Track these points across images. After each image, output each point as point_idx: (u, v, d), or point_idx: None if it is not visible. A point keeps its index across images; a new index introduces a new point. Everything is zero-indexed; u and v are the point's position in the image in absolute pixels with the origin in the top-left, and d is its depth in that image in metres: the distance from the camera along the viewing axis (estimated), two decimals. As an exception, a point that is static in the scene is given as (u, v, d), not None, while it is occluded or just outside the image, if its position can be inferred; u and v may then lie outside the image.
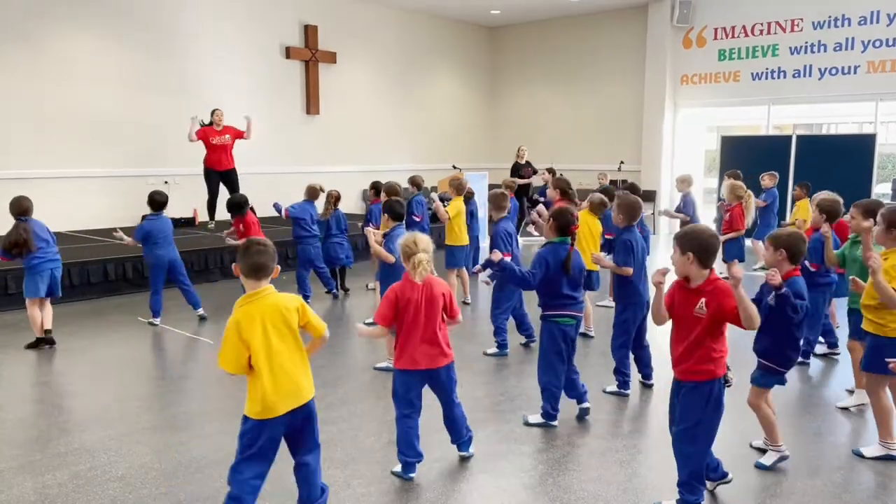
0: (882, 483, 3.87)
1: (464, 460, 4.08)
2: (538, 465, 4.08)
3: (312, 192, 8.19)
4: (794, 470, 4.01)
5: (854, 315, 4.67)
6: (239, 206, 7.40)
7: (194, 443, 4.35)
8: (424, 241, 3.77)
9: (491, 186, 13.11)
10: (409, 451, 3.85)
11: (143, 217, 7.47)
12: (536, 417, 4.66)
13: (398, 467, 3.90)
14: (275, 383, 3.10)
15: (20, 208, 6.17)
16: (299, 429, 3.21)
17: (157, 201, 7.05)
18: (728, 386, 3.35)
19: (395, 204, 5.81)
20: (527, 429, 4.58)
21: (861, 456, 4.10)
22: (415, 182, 9.37)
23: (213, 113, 10.81)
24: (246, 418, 3.14)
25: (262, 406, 3.09)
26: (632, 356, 5.31)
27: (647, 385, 5.40)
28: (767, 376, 3.97)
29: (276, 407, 3.10)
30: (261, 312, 3.07)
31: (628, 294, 5.16)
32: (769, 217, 10.23)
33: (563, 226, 4.50)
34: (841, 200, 5.68)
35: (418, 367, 3.78)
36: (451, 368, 3.89)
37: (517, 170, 13.38)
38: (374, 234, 5.61)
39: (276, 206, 8.01)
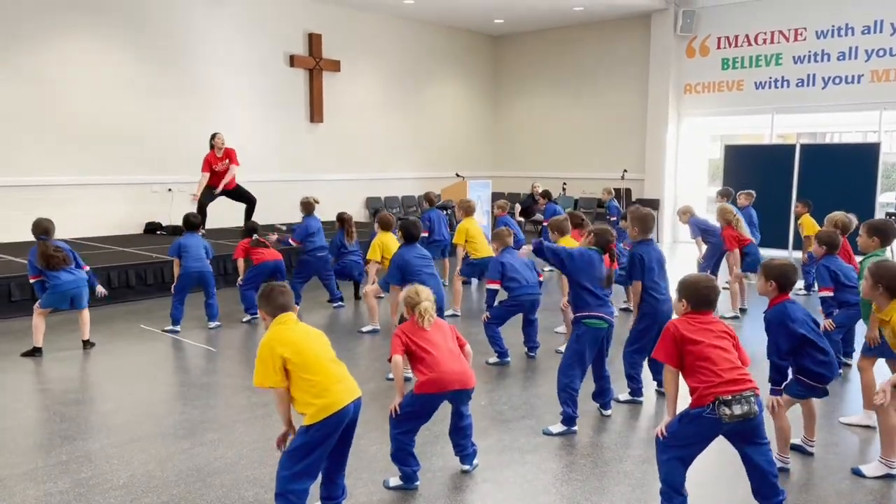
0: (877, 500, 3.84)
1: (465, 472, 4.05)
2: (541, 474, 4.06)
3: (309, 207, 8.30)
4: (795, 483, 3.99)
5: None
6: (248, 231, 7.88)
7: (196, 451, 4.34)
8: (425, 291, 3.93)
9: (494, 195, 13.15)
10: (412, 462, 3.84)
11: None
12: (558, 427, 4.64)
13: (395, 481, 3.87)
14: (337, 374, 3.29)
15: (40, 229, 6.30)
16: (351, 424, 3.34)
17: (191, 222, 7.40)
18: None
19: (410, 225, 5.97)
20: (530, 438, 4.56)
21: (862, 475, 4.05)
22: (428, 198, 9.58)
23: (213, 137, 10.65)
24: (306, 428, 3.21)
25: (327, 401, 3.19)
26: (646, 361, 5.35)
27: (662, 393, 5.36)
28: (802, 389, 4.01)
29: (342, 397, 3.24)
30: (298, 326, 3.33)
31: (647, 307, 5.15)
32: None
33: (602, 244, 4.81)
34: (845, 224, 5.91)
35: (449, 388, 3.77)
36: (472, 392, 3.94)
37: (529, 205, 13.32)
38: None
39: (285, 243, 8.33)
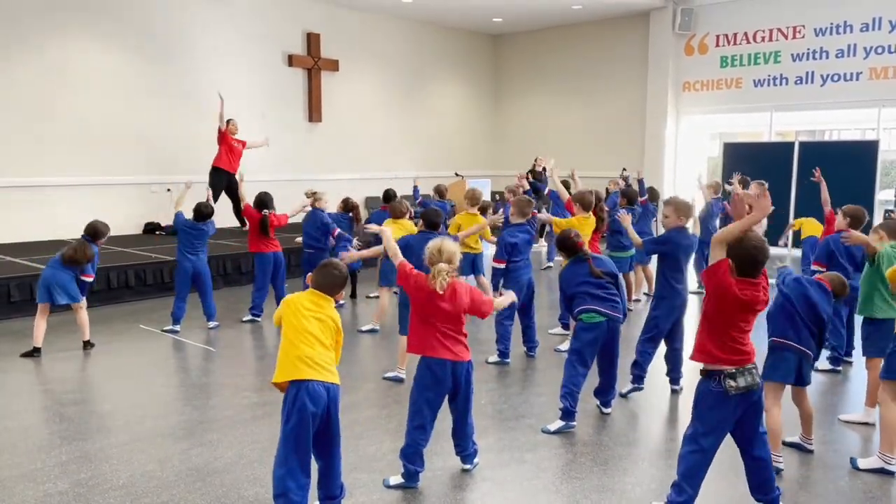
0: (877, 498, 3.85)
1: (465, 471, 4.06)
2: (541, 473, 4.06)
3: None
4: (794, 481, 4.00)
5: (872, 326, 4.67)
6: (261, 203, 7.65)
7: (196, 451, 4.34)
8: (448, 251, 3.74)
9: (493, 194, 13.14)
10: (417, 462, 3.84)
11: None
12: (556, 423, 4.65)
13: (395, 479, 3.87)
14: (314, 356, 3.33)
15: (91, 230, 6.45)
16: (329, 415, 3.37)
17: (199, 212, 7.25)
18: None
19: (431, 213, 5.97)
20: (529, 437, 4.56)
21: (856, 468, 4.07)
22: (438, 191, 9.72)
23: (228, 122, 11.05)
24: (285, 420, 3.33)
25: (292, 371, 3.31)
26: (664, 355, 5.41)
27: (673, 390, 5.40)
28: (776, 362, 4.04)
29: (305, 372, 3.30)
30: (315, 304, 3.38)
31: (665, 292, 5.20)
32: None
33: (570, 248, 4.83)
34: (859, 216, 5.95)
35: (442, 355, 3.73)
36: (471, 368, 3.90)
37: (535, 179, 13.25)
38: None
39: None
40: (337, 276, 3.47)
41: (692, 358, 3.38)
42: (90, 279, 6.53)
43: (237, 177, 10.61)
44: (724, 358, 3.26)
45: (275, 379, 3.36)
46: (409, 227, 7.06)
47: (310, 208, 7.95)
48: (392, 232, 6.86)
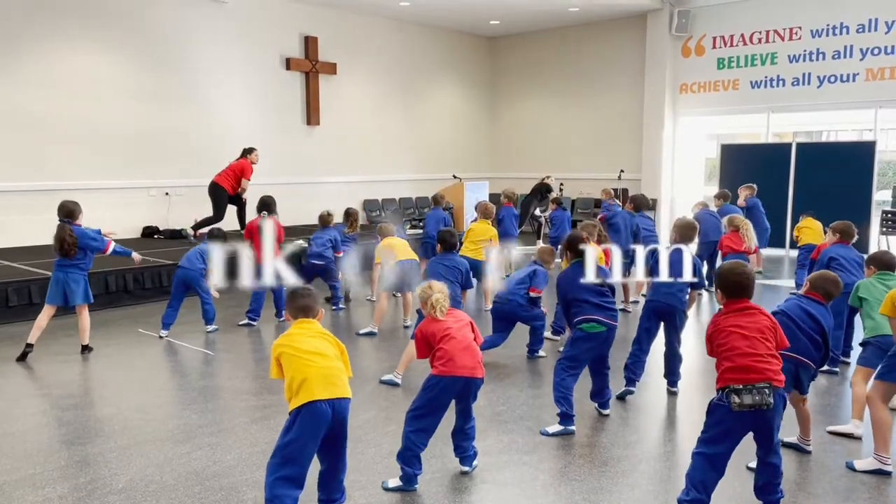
0: (874, 497, 3.86)
1: (465, 473, 4.07)
2: (539, 474, 4.07)
3: (326, 220, 8.43)
4: (792, 481, 4.01)
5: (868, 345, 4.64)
6: (264, 206, 7.80)
7: (195, 454, 4.35)
8: (436, 286, 4.11)
9: (491, 195, 13.15)
10: (416, 465, 3.86)
11: None
12: (555, 427, 4.66)
13: (394, 482, 3.88)
14: (323, 372, 3.32)
15: (64, 211, 6.38)
16: (337, 426, 3.35)
17: (212, 234, 7.48)
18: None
19: (446, 234, 6.32)
20: (528, 439, 4.57)
21: (853, 469, 4.08)
22: (434, 199, 9.87)
23: (252, 151, 10.86)
24: (286, 429, 3.31)
25: (301, 396, 3.28)
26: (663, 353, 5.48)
27: (671, 392, 5.42)
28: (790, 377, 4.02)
29: (315, 392, 3.28)
30: (309, 331, 3.42)
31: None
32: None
33: (577, 248, 4.92)
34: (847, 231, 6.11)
35: (458, 374, 3.83)
36: (481, 384, 3.99)
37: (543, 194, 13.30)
38: None
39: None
40: (308, 297, 3.51)
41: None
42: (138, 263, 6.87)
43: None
44: (731, 376, 3.29)
45: (291, 408, 3.31)
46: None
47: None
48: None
